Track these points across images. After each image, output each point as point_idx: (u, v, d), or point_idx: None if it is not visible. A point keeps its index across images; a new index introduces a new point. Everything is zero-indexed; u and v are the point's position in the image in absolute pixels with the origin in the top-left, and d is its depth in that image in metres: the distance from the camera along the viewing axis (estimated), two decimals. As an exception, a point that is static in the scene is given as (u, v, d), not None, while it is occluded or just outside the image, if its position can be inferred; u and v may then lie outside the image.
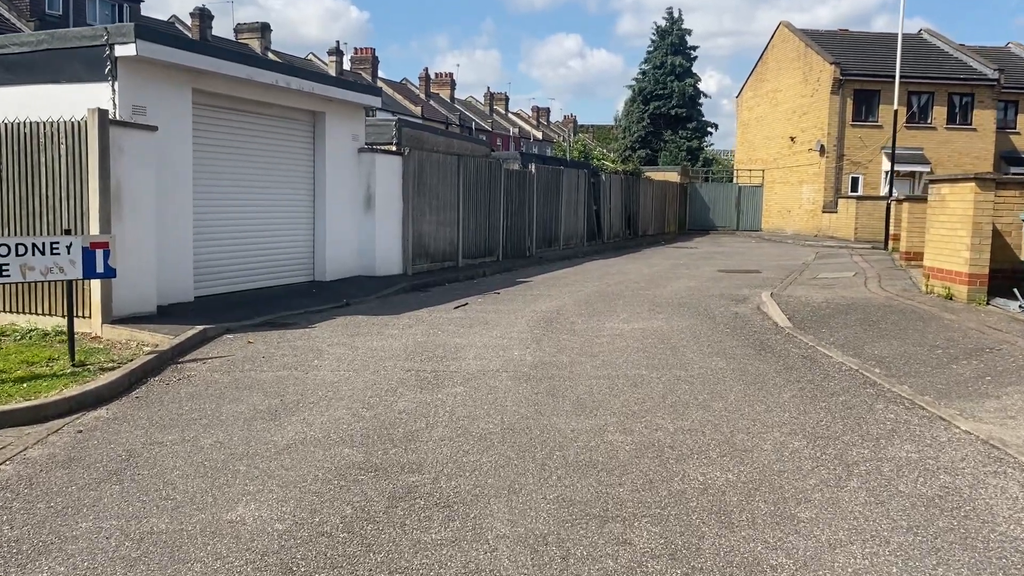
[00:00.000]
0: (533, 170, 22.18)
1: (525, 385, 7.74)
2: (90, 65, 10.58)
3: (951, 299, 11.86)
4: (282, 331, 10.56)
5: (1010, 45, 43.46)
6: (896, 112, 25.67)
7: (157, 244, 10.83)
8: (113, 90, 10.52)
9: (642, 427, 6.43)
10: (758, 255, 25.14)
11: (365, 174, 15.52)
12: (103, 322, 9.84)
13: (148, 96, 10.96)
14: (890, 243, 23.20)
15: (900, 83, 34.90)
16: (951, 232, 12.02)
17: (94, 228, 9.62)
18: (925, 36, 39.99)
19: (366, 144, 15.89)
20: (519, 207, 21.32)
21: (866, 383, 7.83)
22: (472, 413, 6.81)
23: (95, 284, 9.72)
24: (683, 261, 22.31)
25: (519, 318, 11.65)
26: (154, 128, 10.57)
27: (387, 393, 7.47)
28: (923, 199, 17.55)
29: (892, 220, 23.08)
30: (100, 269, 8.51)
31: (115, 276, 8.87)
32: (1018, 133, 37.73)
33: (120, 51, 10.38)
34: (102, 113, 9.65)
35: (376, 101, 15.46)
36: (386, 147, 16.30)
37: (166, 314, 10.91)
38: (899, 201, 23.19)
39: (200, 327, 10.06)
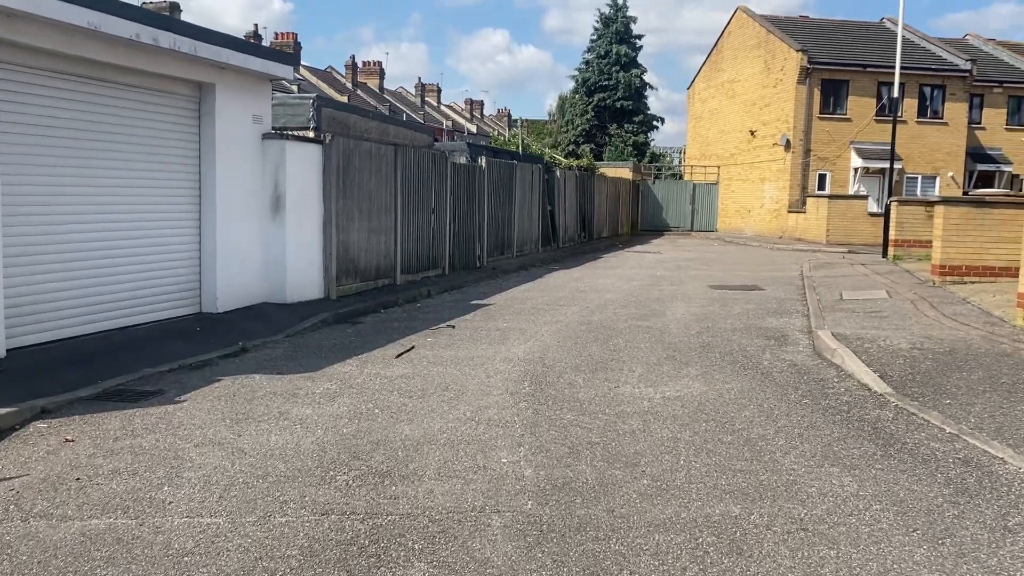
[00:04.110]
0: (484, 164, 18.57)
1: (539, 556, 4.21)
2: None
3: (1072, 340, 8.80)
4: (131, 411, 6.78)
5: (968, 37, 41.71)
6: (898, 102, 22.93)
7: (-68, 275, 6.92)
8: None
9: None
10: (735, 262, 22.09)
11: (272, 168, 11.70)
12: None
13: (-87, 44, 7.03)
14: (891, 249, 20.37)
15: (869, 73, 32.58)
16: (1067, 249, 8.94)
17: None
18: (888, 24, 37.71)
19: (274, 128, 12.06)
20: (468, 208, 17.70)
21: (1119, 528, 4.54)
22: (456, 669, 3.25)
23: None
24: (658, 272, 19.04)
25: (492, 376, 8.08)
26: (-82, 93, 6.65)
27: (281, 595, 3.85)
28: (962, 202, 14.63)
29: (893, 224, 20.25)
30: None
31: None
32: (984, 128, 35.76)
33: None
34: None
35: (286, 71, 11.66)
36: (301, 132, 12.50)
37: (-54, 384, 7.01)
38: (916, 204, 20.47)
39: (-13, 414, 6.22)
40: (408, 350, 9.34)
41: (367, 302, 12.56)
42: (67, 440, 6.04)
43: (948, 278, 14.21)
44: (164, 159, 10.31)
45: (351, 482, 5.22)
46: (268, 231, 11.75)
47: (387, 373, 8.18)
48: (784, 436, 6.17)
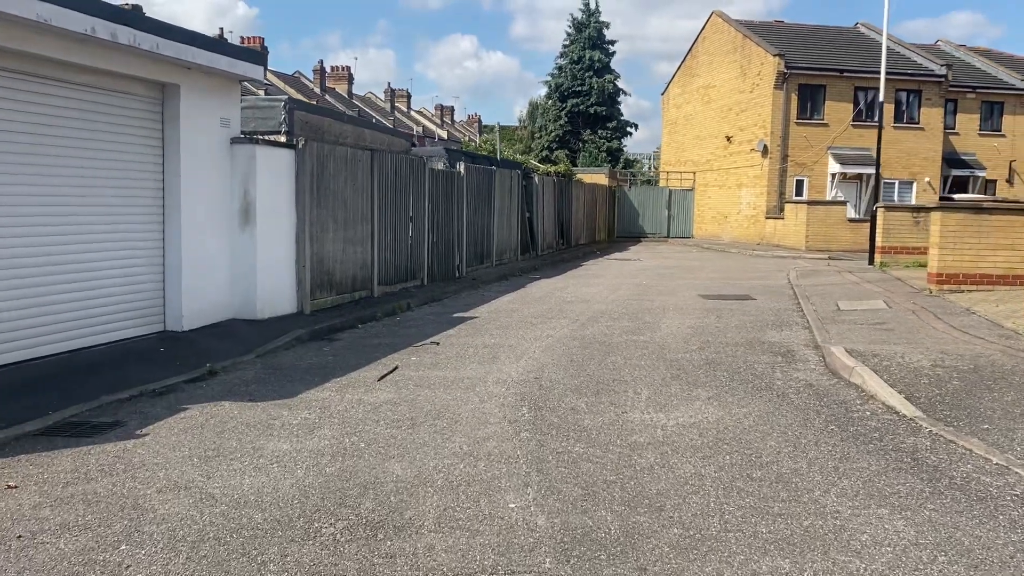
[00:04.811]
0: (462, 170, 17.90)
1: (571, 632, 3.56)
2: None
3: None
4: (85, 448, 6.03)
5: (939, 43, 41.87)
6: (882, 107, 22.59)
7: None
8: None
9: None
10: (718, 270, 21.61)
11: (241, 174, 10.94)
12: None
13: None
14: (877, 256, 20.02)
15: (845, 78, 32.41)
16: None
17: None
18: (862, 30, 37.70)
19: (243, 133, 11.32)
20: (447, 216, 17.01)
21: None
22: None
23: None
24: (643, 281, 18.48)
25: (486, 400, 7.41)
26: None
27: None
28: (960, 208, 14.21)
29: (880, 230, 19.90)
30: None
31: None
32: (958, 134, 35.77)
33: None
34: None
35: (256, 71, 10.90)
36: (272, 137, 11.76)
37: None
38: (902, 210, 20.15)
39: (-84, 456, 5.44)
40: (391, 371, 8.64)
41: (344, 317, 11.82)
42: (9, 486, 5.28)
43: (946, 286, 13.79)
44: (124, 166, 9.52)
45: (339, 536, 4.53)
46: (237, 242, 10.99)
47: (370, 399, 7.47)
48: (819, 470, 5.56)
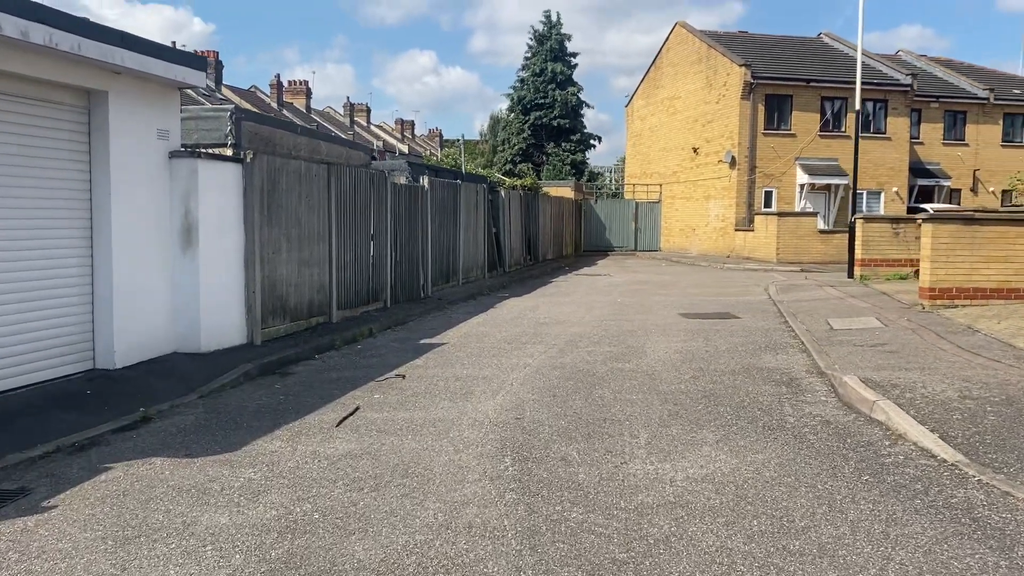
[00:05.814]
0: (426, 184, 16.89)
1: None
2: None
3: None
4: (-28, 529, 4.91)
5: (900, 53, 41.93)
6: (858, 114, 22.25)
7: None
8: None
9: None
10: (692, 285, 20.84)
11: (182, 192, 9.83)
12: None
13: None
14: (857, 269, 19.39)
15: (812, 88, 32.05)
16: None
17: None
18: (826, 40, 37.51)
19: (184, 146, 10.20)
20: (410, 233, 15.99)
21: None
22: None
23: None
24: (617, 298, 17.62)
25: (462, 450, 6.40)
26: None
27: None
28: (951, 219, 13.54)
29: (859, 242, 19.28)
30: None
31: None
32: (922, 144, 35.64)
33: None
34: None
35: (198, 77, 9.81)
36: (217, 150, 10.67)
37: None
38: (882, 222, 19.56)
39: None
40: (352, 413, 7.60)
41: (299, 347, 10.73)
42: None
43: (939, 301, 13.10)
44: (44, 184, 8.37)
45: (284, 657, 3.50)
46: (178, 267, 9.86)
47: (327, 451, 6.43)
48: (866, 537, 4.66)
